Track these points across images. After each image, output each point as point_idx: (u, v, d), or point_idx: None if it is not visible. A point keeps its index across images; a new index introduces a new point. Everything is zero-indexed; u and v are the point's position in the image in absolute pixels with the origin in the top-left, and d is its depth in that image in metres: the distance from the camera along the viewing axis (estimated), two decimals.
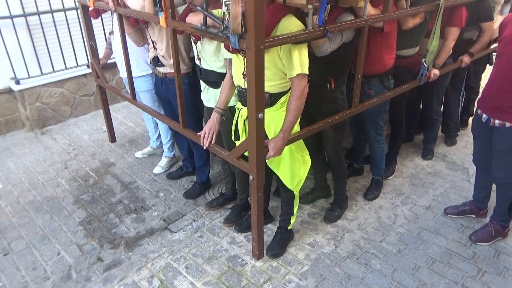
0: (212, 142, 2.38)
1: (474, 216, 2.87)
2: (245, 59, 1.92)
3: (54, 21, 4.23)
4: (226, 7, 1.74)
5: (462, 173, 3.43)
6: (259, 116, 1.94)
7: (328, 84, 2.49)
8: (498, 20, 3.63)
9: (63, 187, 3.32)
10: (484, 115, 2.44)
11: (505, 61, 2.28)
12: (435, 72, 3.01)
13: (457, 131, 3.93)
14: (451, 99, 3.73)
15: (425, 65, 2.94)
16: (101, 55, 3.57)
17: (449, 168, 3.51)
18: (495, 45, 3.80)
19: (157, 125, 3.59)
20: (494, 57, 3.97)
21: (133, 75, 3.10)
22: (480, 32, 3.34)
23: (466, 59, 3.30)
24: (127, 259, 2.57)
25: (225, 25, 1.81)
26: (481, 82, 4.08)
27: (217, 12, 2.08)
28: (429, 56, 2.92)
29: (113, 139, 3.82)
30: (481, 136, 2.56)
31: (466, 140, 3.95)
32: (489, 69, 4.08)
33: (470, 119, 4.23)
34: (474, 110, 2.58)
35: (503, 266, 2.47)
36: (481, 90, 4.21)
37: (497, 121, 2.36)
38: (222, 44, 2.22)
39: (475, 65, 3.68)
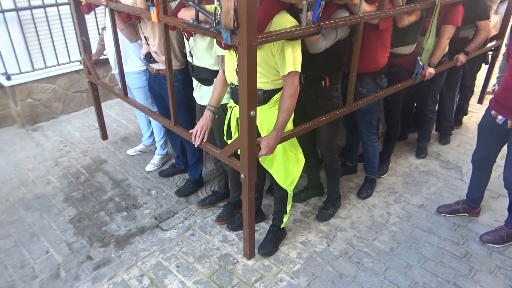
0: (204, 140, 2.35)
1: (467, 215, 2.87)
2: (237, 55, 1.89)
3: (46, 16, 4.18)
4: (218, 2, 1.72)
5: (455, 172, 3.43)
6: (251, 113, 1.91)
7: (322, 82, 2.47)
8: (493, 19, 3.63)
9: (54, 185, 3.28)
10: (500, 117, 2.35)
11: None
12: (430, 70, 3.00)
13: (451, 130, 3.93)
14: (446, 98, 3.73)
15: (421, 64, 2.93)
16: (94, 51, 3.52)
17: (443, 167, 3.51)
18: (491, 44, 3.81)
19: (150, 122, 3.55)
20: (489, 56, 3.99)
21: (126, 71, 3.07)
22: (476, 31, 3.33)
23: (462, 58, 3.29)
24: (117, 257, 2.54)
25: (217, 21, 1.78)
26: (476, 82, 4.08)
27: (210, 7, 2.05)
28: (424, 54, 2.90)
29: (105, 136, 3.78)
30: (490, 136, 2.48)
31: (459, 139, 3.96)
32: (484, 68, 4.09)
33: (464, 118, 4.25)
34: (485, 109, 2.48)
35: (495, 265, 2.47)
36: (476, 90, 4.23)
37: None
38: (215, 41, 2.19)
39: (471, 64, 3.67)
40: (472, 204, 2.84)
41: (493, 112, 2.41)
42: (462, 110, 4.16)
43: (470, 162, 2.75)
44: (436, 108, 3.69)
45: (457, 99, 3.97)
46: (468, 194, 2.86)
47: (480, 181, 2.74)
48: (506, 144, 2.46)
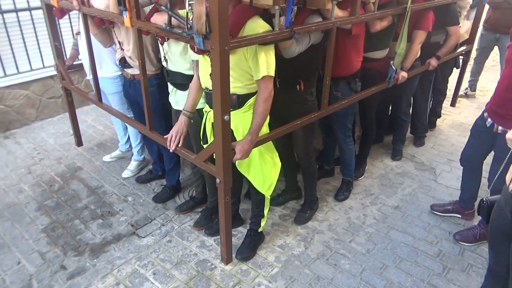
0: (180, 145, 2.33)
1: (460, 216, 2.91)
2: (211, 60, 1.89)
3: (18, 21, 4.08)
4: (189, 7, 1.72)
5: (429, 173, 3.51)
6: (225, 118, 1.91)
7: (297, 86, 2.50)
8: (464, 25, 3.75)
9: (26, 193, 3.19)
10: (489, 119, 2.42)
11: (510, 68, 2.23)
12: (403, 74, 3.07)
13: (425, 132, 4.03)
14: (420, 101, 3.82)
15: (394, 68, 2.99)
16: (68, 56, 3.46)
17: (417, 169, 3.59)
18: (461, 48, 3.93)
19: (126, 127, 3.51)
20: (460, 60, 4.11)
21: (101, 76, 3.02)
22: (447, 36, 3.43)
23: (433, 62, 3.38)
24: (92, 266, 2.49)
25: (189, 25, 1.78)
26: (449, 85, 4.20)
27: (182, 12, 2.05)
28: (397, 59, 2.97)
29: (79, 142, 3.70)
30: (479, 137, 2.55)
31: (433, 141, 4.05)
32: (456, 72, 4.22)
33: (438, 121, 4.36)
34: (481, 112, 2.53)
35: (467, 263, 2.53)
36: (448, 93, 4.35)
37: (500, 127, 2.36)
38: (189, 45, 2.19)
39: (443, 68, 3.78)
40: (463, 204, 2.88)
41: (485, 114, 2.48)
42: (436, 113, 4.27)
43: (459, 163, 2.79)
44: (410, 111, 3.78)
45: (431, 102, 4.08)
46: (460, 195, 2.90)
47: (470, 181, 2.79)
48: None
